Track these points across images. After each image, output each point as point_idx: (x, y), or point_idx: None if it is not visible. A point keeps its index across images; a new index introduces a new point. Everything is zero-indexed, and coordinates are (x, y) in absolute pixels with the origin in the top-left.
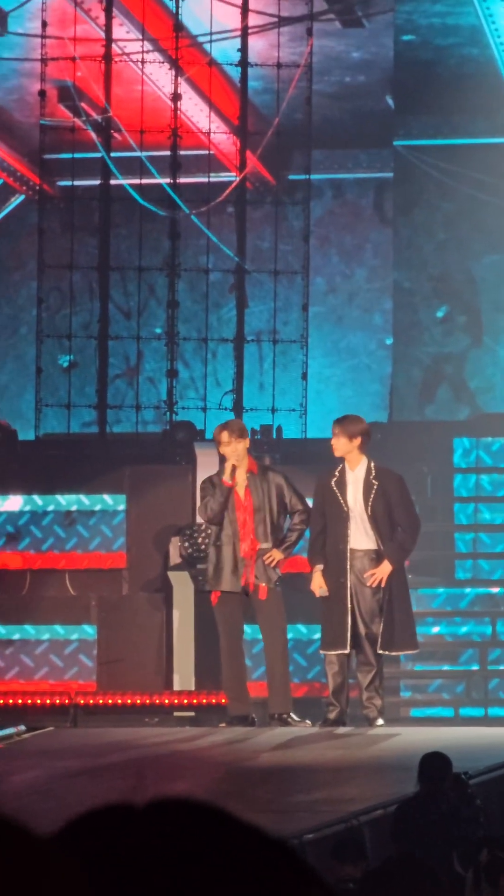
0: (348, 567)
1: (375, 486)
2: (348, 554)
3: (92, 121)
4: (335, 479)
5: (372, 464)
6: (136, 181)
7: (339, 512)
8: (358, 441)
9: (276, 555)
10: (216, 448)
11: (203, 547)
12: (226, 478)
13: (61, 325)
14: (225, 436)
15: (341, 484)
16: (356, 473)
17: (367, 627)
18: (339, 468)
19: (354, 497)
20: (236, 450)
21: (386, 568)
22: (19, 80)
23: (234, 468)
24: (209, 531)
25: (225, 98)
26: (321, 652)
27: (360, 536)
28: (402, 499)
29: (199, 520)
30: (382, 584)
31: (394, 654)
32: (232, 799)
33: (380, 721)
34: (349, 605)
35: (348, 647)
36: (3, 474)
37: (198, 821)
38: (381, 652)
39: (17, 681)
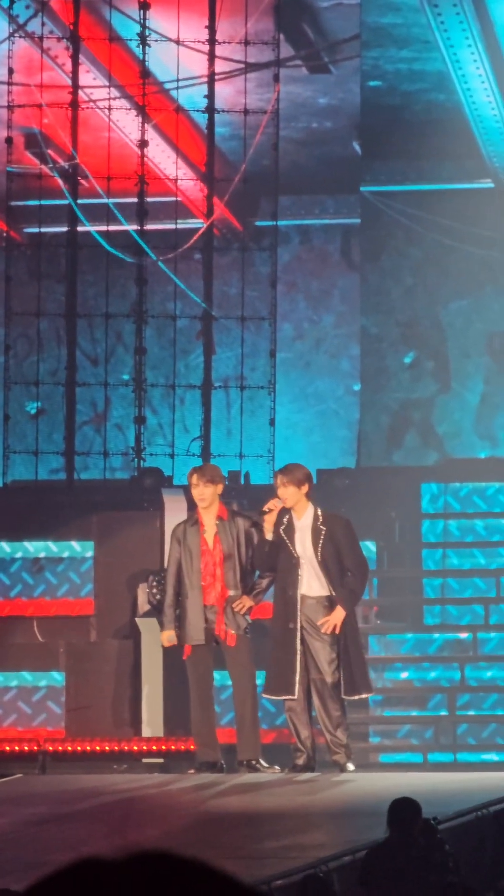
0: (298, 613)
1: (324, 532)
2: (298, 600)
3: (59, 168)
4: (283, 526)
5: (318, 510)
6: (104, 228)
7: (288, 559)
8: (306, 488)
9: (247, 602)
10: (186, 492)
11: None
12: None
13: (29, 371)
14: (194, 478)
15: (289, 531)
16: (303, 521)
17: (325, 674)
18: (286, 516)
19: (303, 544)
20: (203, 493)
21: (339, 614)
22: None
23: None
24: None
25: (192, 144)
26: (264, 696)
27: (312, 583)
28: (349, 543)
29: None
30: (337, 631)
31: (354, 698)
32: (200, 845)
33: (350, 766)
34: (297, 652)
35: (296, 693)
36: None
37: (175, 873)
38: (345, 698)
39: None
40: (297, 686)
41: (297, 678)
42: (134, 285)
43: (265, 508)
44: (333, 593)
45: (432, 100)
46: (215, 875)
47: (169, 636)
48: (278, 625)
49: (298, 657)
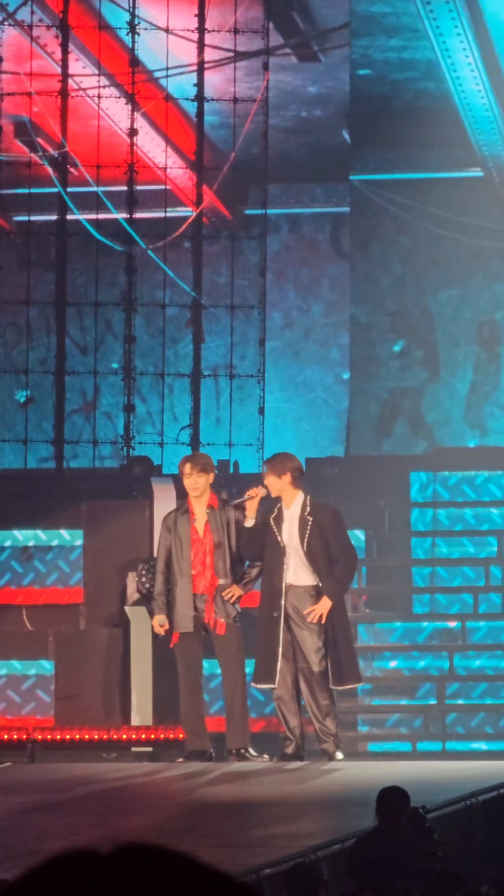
0: (282, 603)
1: (311, 522)
2: (283, 589)
3: (48, 156)
4: (273, 515)
5: (308, 499)
6: (93, 216)
7: (275, 547)
8: (287, 478)
9: (236, 591)
10: (176, 481)
11: None
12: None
13: (18, 360)
14: (187, 467)
15: (278, 520)
16: (292, 510)
17: (311, 663)
18: (278, 505)
19: (290, 533)
20: (195, 483)
21: (326, 604)
22: None
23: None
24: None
25: (181, 133)
26: (251, 684)
27: (300, 572)
28: (337, 533)
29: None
30: (323, 620)
31: (342, 688)
32: (189, 834)
33: (339, 755)
34: (280, 640)
35: (276, 682)
36: None
37: (162, 866)
38: (333, 687)
39: None
40: (278, 674)
41: (279, 667)
42: (123, 273)
43: (246, 495)
44: (320, 583)
45: (422, 88)
46: (202, 869)
47: (160, 619)
48: (263, 613)
49: (281, 646)
